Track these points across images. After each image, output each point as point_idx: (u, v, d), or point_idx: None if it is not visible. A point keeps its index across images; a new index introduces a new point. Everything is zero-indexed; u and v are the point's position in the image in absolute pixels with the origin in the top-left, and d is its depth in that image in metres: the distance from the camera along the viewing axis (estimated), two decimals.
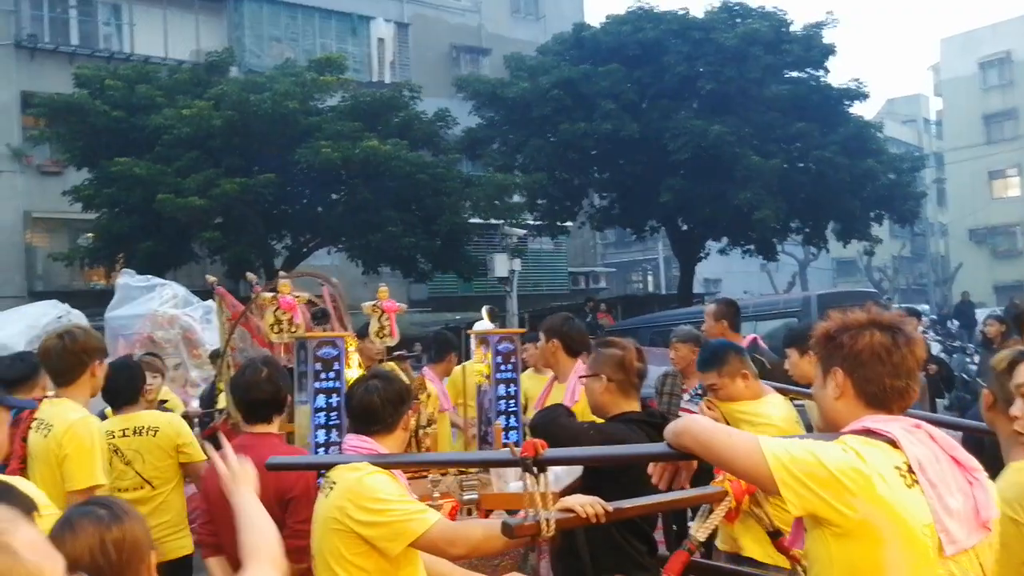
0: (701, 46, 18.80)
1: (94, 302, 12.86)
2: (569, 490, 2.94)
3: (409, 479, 3.09)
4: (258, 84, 16.36)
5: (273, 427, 3.39)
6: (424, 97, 18.47)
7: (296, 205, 17.20)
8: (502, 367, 4.54)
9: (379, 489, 2.56)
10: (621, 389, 3.33)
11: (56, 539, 1.77)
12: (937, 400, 8.09)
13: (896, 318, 2.05)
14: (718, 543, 3.77)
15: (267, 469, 2.73)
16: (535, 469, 2.25)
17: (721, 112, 18.43)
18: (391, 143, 15.87)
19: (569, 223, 21.67)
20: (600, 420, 3.37)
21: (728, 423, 3.42)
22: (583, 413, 3.62)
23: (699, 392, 5.19)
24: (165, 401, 5.63)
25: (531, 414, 4.09)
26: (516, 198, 18.90)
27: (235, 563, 3.27)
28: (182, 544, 4.15)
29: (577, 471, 3.22)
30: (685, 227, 20.98)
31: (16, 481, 2.36)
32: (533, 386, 5.01)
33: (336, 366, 3.94)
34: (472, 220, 18.02)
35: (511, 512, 3.28)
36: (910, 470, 1.84)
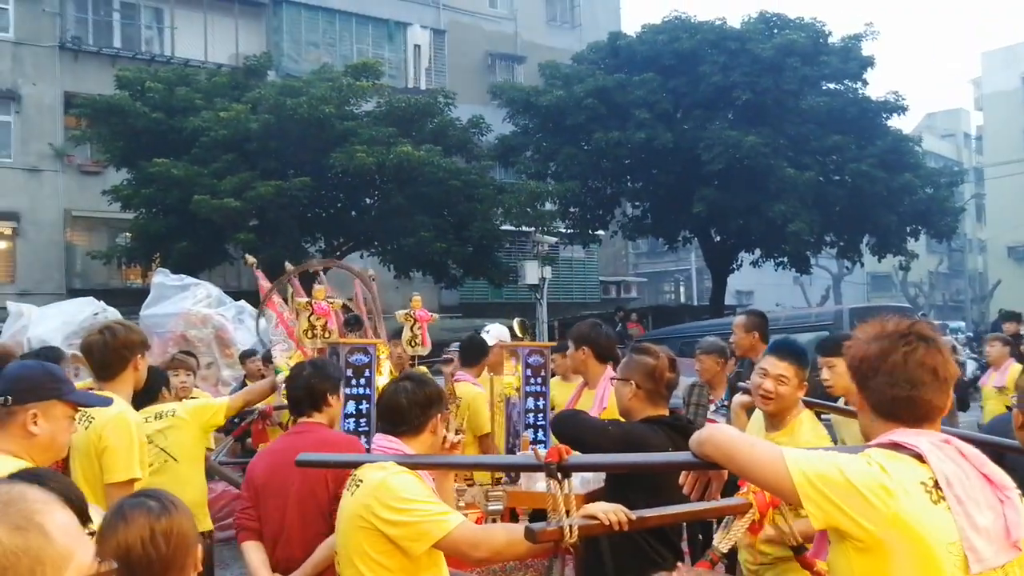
0: (737, 56, 18.69)
1: (130, 300, 13.05)
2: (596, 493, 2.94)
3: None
4: (295, 88, 16.53)
5: (320, 418, 3.43)
6: (459, 104, 18.56)
7: (330, 209, 17.35)
8: (531, 380, 4.53)
9: (404, 489, 2.58)
10: (649, 397, 3.34)
11: (108, 528, 1.85)
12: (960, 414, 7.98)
13: (897, 326, 1.96)
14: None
15: (297, 465, 2.76)
16: (559, 475, 2.25)
17: (756, 123, 18.29)
18: (425, 149, 15.97)
19: (601, 232, 21.63)
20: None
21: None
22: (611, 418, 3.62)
23: (725, 403, 5.16)
24: (196, 400, 5.69)
25: None
26: (548, 206, 18.91)
27: (271, 549, 3.33)
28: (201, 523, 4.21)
29: (602, 474, 3.22)
30: (718, 238, 20.84)
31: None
32: (561, 393, 5.01)
33: (367, 373, 3.95)
34: (504, 227, 18.07)
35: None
36: (936, 486, 1.81)
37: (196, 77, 17.79)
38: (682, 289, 37.08)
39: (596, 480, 3.27)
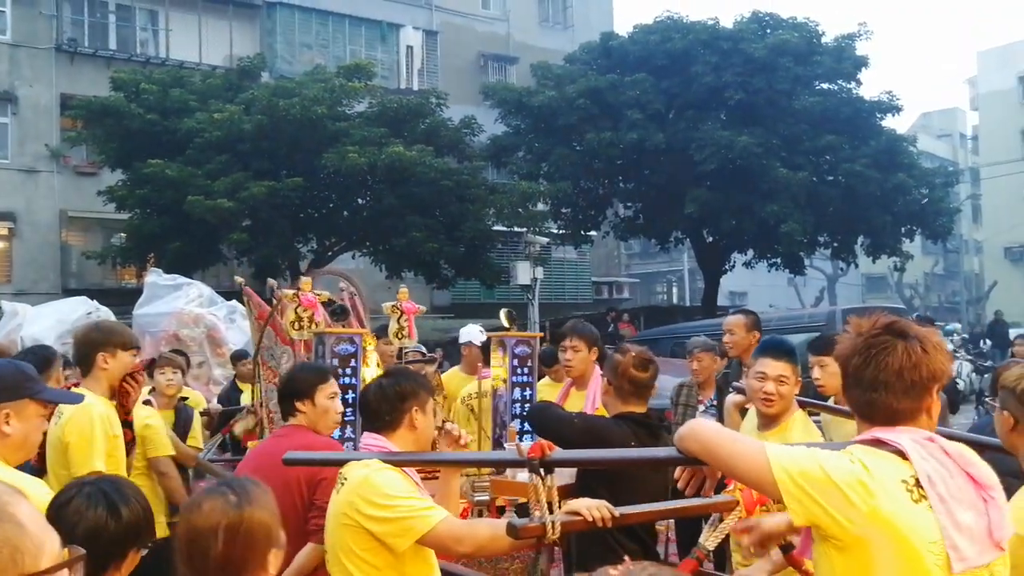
0: (730, 56, 18.68)
1: (124, 300, 13.06)
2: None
3: (423, 479, 3.10)
4: (288, 89, 16.56)
5: (299, 420, 3.39)
6: (451, 104, 18.57)
7: (322, 209, 17.37)
8: (518, 371, 4.55)
9: (387, 485, 2.58)
10: (619, 394, 3.44)
11: (184, 510, 1.92)
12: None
13: (873, 324, 1.92)
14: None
15: (284, 464, 2.76)
16: (542, 471, 2.26)
17: (749, 123, 18.29)
18: (417, 149, 15.99)
19: (593, 232, 21.63)
20: None
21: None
22: None
23: (714, 403, 5.16)
24: (186, 398, 5.69)
25: None
26: (540, 206, 18.93)
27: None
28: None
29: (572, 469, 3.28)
30: (710, 239, 20.82)
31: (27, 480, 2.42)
32: (549, 394, 5.01)
33: (353, 363, 3.96)
34: (496, 227, 18.08)
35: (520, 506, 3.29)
36: (917, 484, 1.79)
37: (190, 79, 17.82)
38: (674, 290, 37.08)
39: (571, 475, 3.30)
